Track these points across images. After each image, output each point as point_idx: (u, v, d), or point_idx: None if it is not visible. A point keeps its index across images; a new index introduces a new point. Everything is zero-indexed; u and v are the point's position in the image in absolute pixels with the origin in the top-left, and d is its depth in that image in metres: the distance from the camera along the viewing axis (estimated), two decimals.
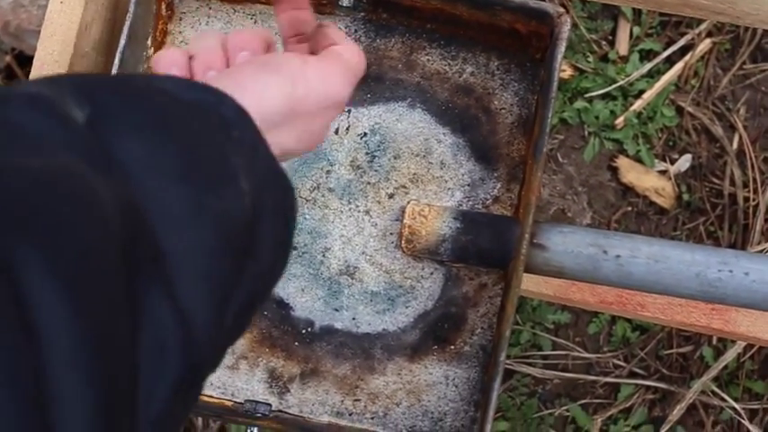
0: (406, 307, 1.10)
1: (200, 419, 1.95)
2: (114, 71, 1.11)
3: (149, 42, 1.18)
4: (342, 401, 1.09)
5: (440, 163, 1.12)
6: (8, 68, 1.99)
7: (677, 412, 1.83)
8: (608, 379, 1.88)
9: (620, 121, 1.94)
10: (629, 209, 1.95)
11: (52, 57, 1.18)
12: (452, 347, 1.08)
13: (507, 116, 1.12)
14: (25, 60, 1.99)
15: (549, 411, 1.87)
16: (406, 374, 1.08)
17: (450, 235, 1.06)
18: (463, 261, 1.07)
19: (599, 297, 1.34)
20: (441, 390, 1.08)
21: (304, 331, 1.11)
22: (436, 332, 1.09)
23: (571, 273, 1.04)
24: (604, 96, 1.96)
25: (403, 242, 1.08)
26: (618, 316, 1.89)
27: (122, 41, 1.12)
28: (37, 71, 1.18)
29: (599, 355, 1.90)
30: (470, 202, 1.10)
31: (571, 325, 1.91)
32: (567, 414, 1.88)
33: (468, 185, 1.11)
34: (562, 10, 1.07)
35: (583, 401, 1.88)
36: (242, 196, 0.55)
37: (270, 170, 0.62)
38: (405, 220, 1.08)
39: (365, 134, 1.14)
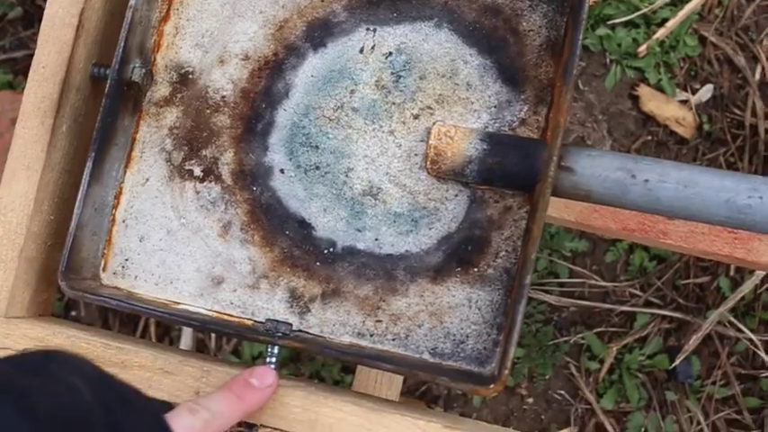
0: (430, 228, 1.09)
1: (213, 340, 1.95)
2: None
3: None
4: (363, 322, 1.08)
5: (466, 84, 1.10)
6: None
7: (693, 342, 1.83)
8: (624, 308, 1.88)
9: (642, 49, 1.92)
10: (649, 138, 1.94)
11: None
12: (476, 270, 1.08)
13: (535, 38, 1.10)
14: None
15: (565, 339, 1.88)
16: (428, 296, 1.08)
17: (476, 156, 1.05)
18: (489, 183, 1.06)
19: (621, 224, 1.34)
20: (463, 312, 1.07)
21: (326, 251, 1.10)
22: (459, 254, 1.08)
23: (598, 197, 1.03)
24: (627, 24, 1.94)
25: (428, 163, 1.07)
26: (635, 245, 1.89)
27: None
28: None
29: (615, 284, 1.89)
30: (497, 125, 1.09)
31: (588, 253, 1.91)
32: (583, 342, 1.88)
33: (495, 107, 1.10)
34: None
35: (598, 330, 1.88)
36: None
37: None
38: (430, 141, 1.07)
39: (390, 54, 1.12)
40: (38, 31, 1.91)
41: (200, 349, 1.95)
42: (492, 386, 0.98)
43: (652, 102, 1.93)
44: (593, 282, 1.89)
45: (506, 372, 0.97)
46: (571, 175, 1.02)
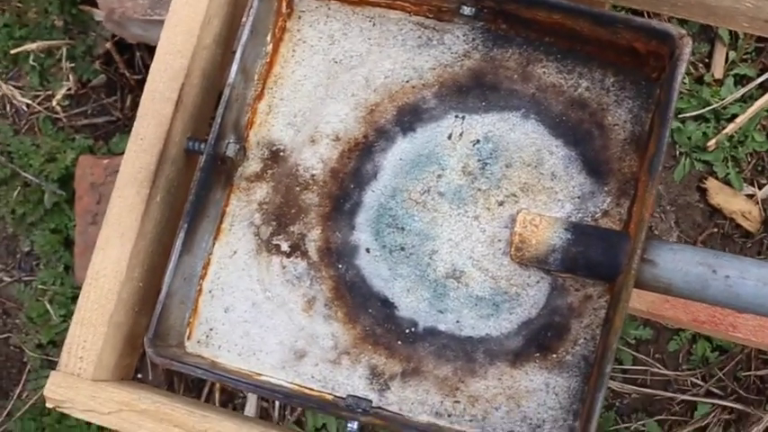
0: (511, 313, 1.11)
1: (276, 409, 1.97)
2: (235, 66, 1.13)
3: (268, 38, 1.20)
4: (441, 402, 1.10)
5: (551, 174, 1.13)
6: (107, 54, 2.02)
7: None
8: (685, 397, 1.88)
9: (711, 143, 1.93)
10: (716, 230, 1.95)
11: (175, 47, 1.20)
12: (554, 356, 1.09)
13: (620, 132, 1.13)
14: (124, 48, 2.02)
15: (626, 425, 1.88)
16: (506, 379, 1.10)
17: (560, 245, 1.07)
18: (571, 272, 1.09)
19: (692, 315, 1.35)
20: (541, 397, 1.09)
21: (407, 331, 1.12)
22: (539, 340, 1.10)
23: (678, 290, 1.05)
24: (697, 118, 1.96)
25: (512, 250, 1.10)
26: (698, 334, 1.89)
27: (245, 35, 1.14)
28: (160, 59, 1.20)
29: (678, 373, 1.90)
30: (580, 215, 1.12)
31: (652, 341, 1.91)
32: (643, 429, 1.88)
33: (578, 198, 1.12)
34: (684, 31, 1.07)
35: (659, 417, 1.88)
36: None
37: None
38: (516, 228, 1.09)
39: (478, 141, 1.15)
40: (120, 98, 1.98)
41: (262, 416, 1.97)
42: None
43: (719, 195, 1.94)
44: (655, 370, 1.89)
45: None
46: (653, 268, 1.04)
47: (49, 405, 1.15)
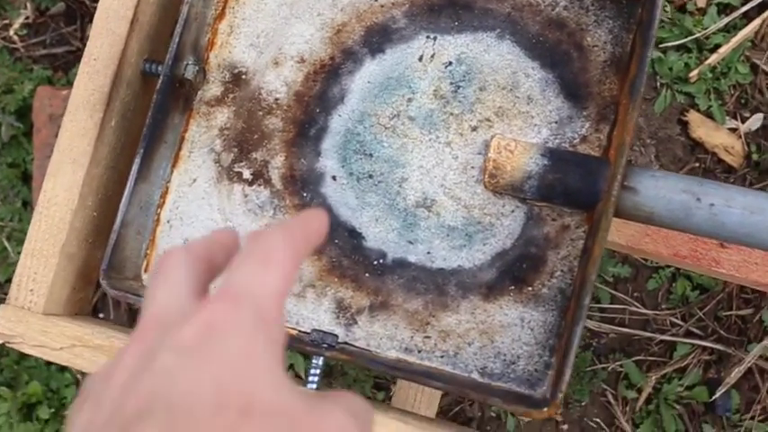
0: (484, 244, 1.06)
1: None
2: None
3: None
4: (411, 337, 1.05)
5: (527, 98, 1.07)
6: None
7: (734, 375, 1.79)
8: (664, 337, 1.84)
9: (693, 74, 1.88)
10: (697, 164, 1.90)
11: None
12: (530, 289, 1.04)
13: (600, 54, 1.07)
14: None
15: (603, 365, 1.84)
16: (479, 314, 1.05)
17: (536, 172, 1.02)
18: (548, 200, 1.03)
19: (673, 249, 1.30)
20: (515, 332, 1.04)
21: (376, 263, 1.07)
22: (514, 272, 1.05)
23: (660, 219, 1.00)
24: (679, 48, 1.90)
25: (486, 176, 1.04)
26: (678, 273, 1.85)
27: None
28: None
29: (657, 312, 1.86)
30: (557, 140, 1.06)
31: (631, 279, 1.87)
32: (621, 370, 1.84)
33: (556, 123, 1.06)
34: None
35: (637, 358, 1.84)
36: None
37: None
38: (489, 154, 1.04)
39: (450, 63, 1.09)
40: (80, 28, 1.91)
41: None
42: (545, 409, 0.95)
43: (701, 128, 1.89)
44: (633, 309, 1.85)
45: (561, 395, 0.94)
46: (634, 195, 0.99)
47: None
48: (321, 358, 1.02)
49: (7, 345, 1.08)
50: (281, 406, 0.47)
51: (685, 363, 1.84)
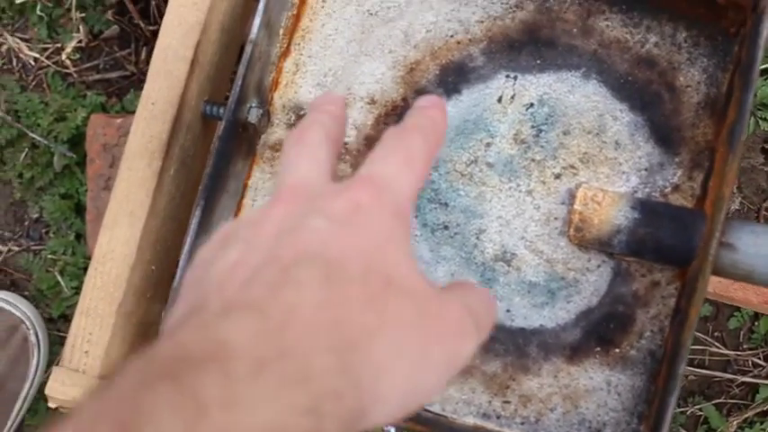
0: (568, 302, 0.99)
1: None
2: (258, 20, 1.01)
3: None
4: (489, 402, 0.98)
5: (614, 143, 1.00)
6: (120, 3, 1.90)
7: None
8: (746, 378, 1.76)
9: None
10: None
11: None
12: (617, 350, 0.97)
13: (693, 95, 1.00)
14: None
15: (681, 409, 1.77)
16: (563, 377, 0.98)
17: (626, 226, 0.94)
18: (637, 255, 0.96)
19: (764, 297, 1.24)
20: (601, 397, 0.97)
21: None
22: (600, 332, 0.98)
23: (760, 277, 0.92)
24: (763, 72, 1.82)
25: (571, 230, 0.97)
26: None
27: None
28: (173, 12, 1.08)
29: (738, 353, 1.78)
30: (647, 189, 0.99)
31: (711, 318, 1.80)
32: (700, 414, 1.77)
33: (646, 170, 0.99)
34: None
35: (717, 401, 1.77)
36: None
37: None
38: (575, 206, 0.96)
39: (532, 105, 1.02)
40: (134, 51, 1.85)
41: None
42: None
43: None
44: (714, 349, 1.78)
45: None
46: (732, 253, 0.91)
47: (51, 405, 1.03)
48: (392, 428, 0.96)
49: (62, 410, 1.02)
50: (415, 286, 0.54)
51: None
